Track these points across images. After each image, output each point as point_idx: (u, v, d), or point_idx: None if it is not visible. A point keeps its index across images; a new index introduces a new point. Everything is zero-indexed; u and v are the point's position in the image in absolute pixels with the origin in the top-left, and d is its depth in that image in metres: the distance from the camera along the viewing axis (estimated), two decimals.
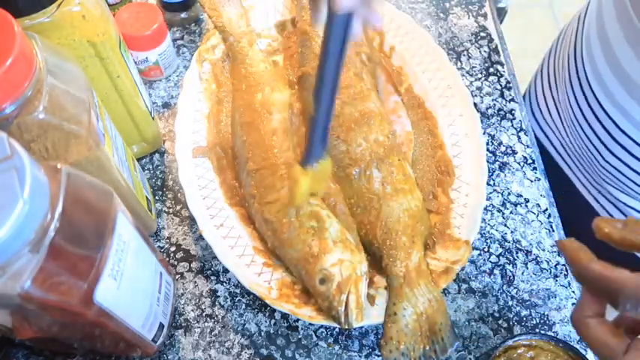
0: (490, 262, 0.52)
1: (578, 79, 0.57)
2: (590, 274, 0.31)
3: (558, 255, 0.52)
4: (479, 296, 0.50)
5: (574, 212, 0.58)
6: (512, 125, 0.60)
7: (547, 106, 0.66)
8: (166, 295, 0.44)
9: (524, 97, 0.64)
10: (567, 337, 0.48)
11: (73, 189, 0.30)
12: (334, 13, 0.35)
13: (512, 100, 0.62)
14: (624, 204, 0.59)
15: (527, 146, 0.58)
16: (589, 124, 0.57)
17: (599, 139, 0.56)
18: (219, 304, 0.49)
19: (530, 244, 0.53)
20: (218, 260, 0.48)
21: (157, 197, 0.54)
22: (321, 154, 0.41)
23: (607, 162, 0.56)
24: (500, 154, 0.58)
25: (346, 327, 0.42)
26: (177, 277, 0.50)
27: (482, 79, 0.63)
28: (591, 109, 0.56)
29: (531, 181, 0.56)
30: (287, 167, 0.48)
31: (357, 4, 0.35)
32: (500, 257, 0.52)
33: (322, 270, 0.43)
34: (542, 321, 0.49)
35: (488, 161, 0.56)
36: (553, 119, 0.65)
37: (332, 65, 0.37)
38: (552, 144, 0.66)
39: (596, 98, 0.54)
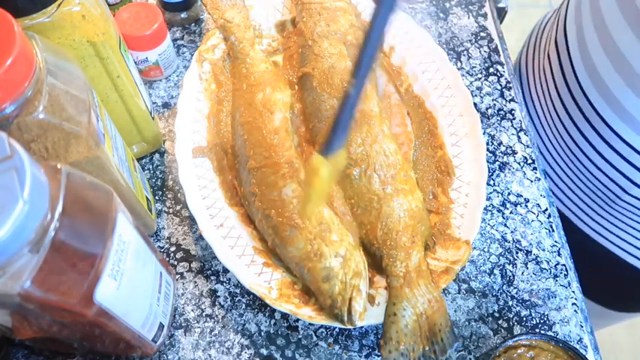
0: (490, 262, 0.52)
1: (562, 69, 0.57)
2: None
3: (558, 255, 0.52)
4: (479, 296, 0.50)
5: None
6: (512, 125, 0.60)
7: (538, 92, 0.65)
8: (166, 295, 0.44)
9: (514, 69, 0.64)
10: (567, 337, 0.48)
11: (73, 189, 0.30)
12: None
13: (512, 100, 0.62)
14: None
15: (527, 146, 0.58)
16: (572, 119, 0.56)
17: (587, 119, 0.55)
18: (219, 304, 0.49)
19: (530, 244, 0.53)
20: (218, 260, 0.48)
21: (157, 197, 0.54)
22: (344, 140, 0.38)
23: (597, 152, 0.55)
24: (500, 154, 0.58)
25: (349, 326, 0.42)
26: (177, 277, 0.50)
27: (483, 79, 0.63)
28: (575, 102, 0.55)
29: (531, 181, 0.56)
30: (300, 161, 0.48)
31: None
32: (500, 257, 0.52)
33: (326, 268, 0.43)
34: (542, 321, 0.49)
35: (488, 161, 0.56)
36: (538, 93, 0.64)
37: (374, 43, 0.35)
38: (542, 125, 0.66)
39: (582, 88, 0.54)
